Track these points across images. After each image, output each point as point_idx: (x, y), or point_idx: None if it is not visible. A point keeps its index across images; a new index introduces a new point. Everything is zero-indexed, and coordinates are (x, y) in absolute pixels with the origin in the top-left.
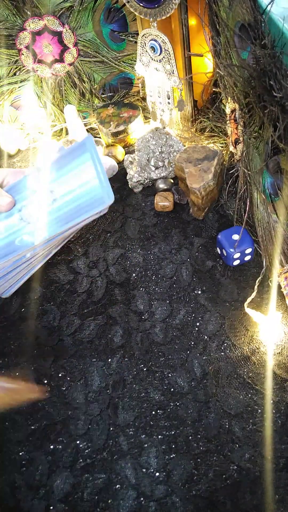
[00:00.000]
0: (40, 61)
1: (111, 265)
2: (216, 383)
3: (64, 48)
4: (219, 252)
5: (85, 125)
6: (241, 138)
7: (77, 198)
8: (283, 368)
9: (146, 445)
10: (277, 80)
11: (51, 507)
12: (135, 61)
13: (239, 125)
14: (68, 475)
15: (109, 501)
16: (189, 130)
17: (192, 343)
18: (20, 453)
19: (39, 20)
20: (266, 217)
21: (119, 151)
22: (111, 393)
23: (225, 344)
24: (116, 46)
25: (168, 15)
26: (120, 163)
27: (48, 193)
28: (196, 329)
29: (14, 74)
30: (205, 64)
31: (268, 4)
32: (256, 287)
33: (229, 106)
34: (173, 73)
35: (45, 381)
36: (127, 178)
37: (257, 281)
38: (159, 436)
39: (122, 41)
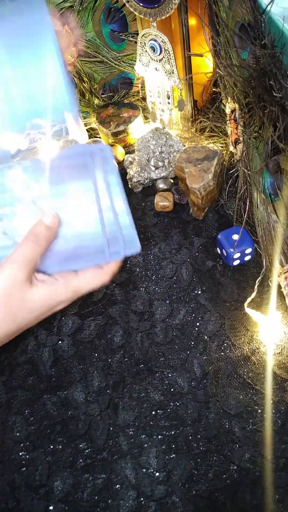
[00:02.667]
0: None
1: None
2: (216, 383)
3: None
4: (219, 252)
5: (85, 125)
6: (241, 138)
7: (76, 237)
8: (283, 368)
9: (146, 445)
10: (277, 80)
11: (51, 507)
12: (135, 61)
13: (239, 125)
14: (68, 475)
15: (109, 501)
16: (189, 130)
17: (192, 343)
18: (20, 453)
19: None
20: (266, 217)
21: (119, 151)
22: (111, 393)
23: (225, 344)
24: (116, 46)
25: (168, 15)
26: (120, 163)
27: (39, 211)
28: (196, 329)
29: None
30: (205, 64)
31: (268, 4)
32: (256, 287)
33: (229, 106)
34: (173, 73)
35: (45, 382)
36: (127, 178)
37: (257, 281)
38: (159, 436)
39: (122, 41)
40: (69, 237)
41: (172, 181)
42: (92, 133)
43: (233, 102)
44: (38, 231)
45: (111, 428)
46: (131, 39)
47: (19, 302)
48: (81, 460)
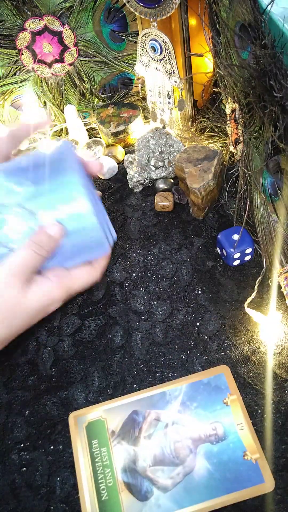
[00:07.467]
0: (40, 61)
1: (111, 265)
2: None
3: (64, 48)
4: (219, 252)
5: (85, 125)
6: (241, 138)
7: (70, 234)
8: (283, 368)
9: None
10: (277, 80)
11: (51, 507)
12: (135, 61)
13: (239, 125)
14: (68, 475)
15: None
16: (189, 130)
17: (192, 343)
18: (21, 453)
19: (39, 20)
20: (266, 217)
21: (119, 151)
22: (112, 393)
23: (225, 344)
24: (116, 46)
25: (168, 15)
26: (120, 163)
27: (29, 214)
28: (196, 329)
29: (14, 74)
30: (205, 64)
31: (268, 4)
32: (256, 287)
33: (229, 106)
34: (173, 72)
35: (45, 382)
36: (127, 178)
37: (257, 281)
38: None
39: (122, 41)
40: (65, 234)
41: (172, 181)
42: (92, 133)
43: (233, 102)
44: (40, 240)
45: None
46: (131, 39)
47: (13, 307)
48: None
